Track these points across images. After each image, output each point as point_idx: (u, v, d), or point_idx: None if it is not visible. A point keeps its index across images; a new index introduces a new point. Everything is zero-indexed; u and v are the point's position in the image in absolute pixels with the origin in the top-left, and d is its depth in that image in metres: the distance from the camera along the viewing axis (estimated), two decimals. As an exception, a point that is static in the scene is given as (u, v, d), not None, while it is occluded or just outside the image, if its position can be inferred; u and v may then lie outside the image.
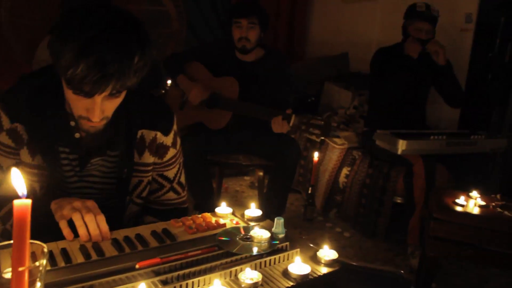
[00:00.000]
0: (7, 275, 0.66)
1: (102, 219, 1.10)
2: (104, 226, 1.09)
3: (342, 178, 3.19)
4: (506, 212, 1.94)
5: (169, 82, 3.02)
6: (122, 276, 0.91)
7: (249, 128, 2.70)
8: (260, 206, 1.25)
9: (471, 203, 1.99)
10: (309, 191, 3.11)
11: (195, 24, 4.43)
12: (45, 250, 0.73)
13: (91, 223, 1.08)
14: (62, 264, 0.95)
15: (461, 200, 1.99)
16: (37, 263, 0.68)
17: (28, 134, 1.21)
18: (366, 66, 3.11)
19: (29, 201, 0.61)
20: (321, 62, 4.34)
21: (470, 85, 3.55)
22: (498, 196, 2.08)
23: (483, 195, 2.07)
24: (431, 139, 2.67)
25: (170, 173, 1.43)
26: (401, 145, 2.60)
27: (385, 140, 2.75)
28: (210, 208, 1.26)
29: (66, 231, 1.07)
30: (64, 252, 0.99)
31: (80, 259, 0.97)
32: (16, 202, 0.60)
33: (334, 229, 3.11)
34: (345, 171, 3.18)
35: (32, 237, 0.70)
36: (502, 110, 3.71)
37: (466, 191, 2.08)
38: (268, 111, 2.51)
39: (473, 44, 3.52)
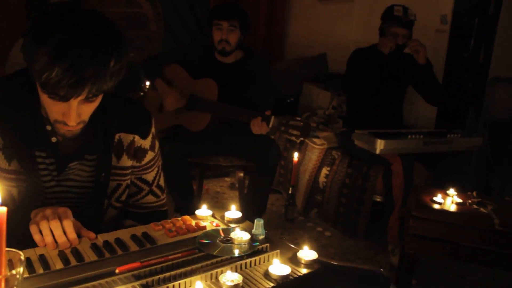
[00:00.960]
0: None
1: (68, 224, 1.07)
2: (71, 232, 1.06)
3: (322, 178, 3.22)
4: (481, 209, 1.98)
5: (147, 84, 3.00)
6: (102, 281, 0.90)
7: (228, 130, 2.70)
8: (241, 207, 1.26)
9: (448, 200, 2.03)
10: (290, 191, 3.12)
11: (173, 26, 4.40)
12: (22, 258, 0.72)
13: (56, 230, 1.05)
14: (41, 270, 0.93)
15: (438, 198, 2.03)
16: (13, 271, 0.67)
17: (3, 139, 1.19)
18: (344, 67, 3.14)
19: (4, 209, 0.60)
20: (300, 63, 4.36)
21: (446, 85, 3.62)
22: (474, 193, 2.12)
23: (460, 192, 2.11)
24: (408, 139, 2.71)
25: (149, 176, 1.43)
26: (379, 145, 2.63)
27: (364, 140, 2.78)
28: (191, 210, 1.26)
29: (36, 237, 1.05)
30: (42, 258, 0.98)
31: (58, 265, 0.96)
32: (-9, 209, 0.59)
33: (315, 228, 3.13)
34: (324, 171, 3.20)
35: (11, 243, 0.69)
36: (477, 109, 3.79)
37: (443, 189, 2.12)
38: (247, 112, 2.51)
39: (448, 45, 3.59)
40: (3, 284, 0.63)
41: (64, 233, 1.06)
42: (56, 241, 1.05)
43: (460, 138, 2.84)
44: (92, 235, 1.10)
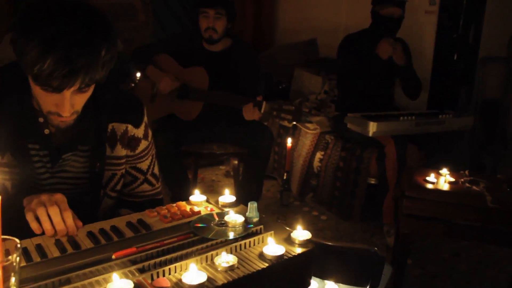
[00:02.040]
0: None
1: (68, 215, 1.07)
2: (71, 222, 1.06)
3: (316, 163, 3.23)
4: (474, 187, 2.00)
5: (138, 75, 3.00)
6: (99, 267, 0.91)
7: (221, 118, 2.71)
8: (237, 194, 1.27)
9: (441, 180, 2.05)
10: (285, 177, 3.14)
11: (162, 16, 4.38)
12: (18, 245, 0.73)
13: (55, 216, 1.05)
14: (38, 259, 0.94)
15: (431, 177, 2.04)
16: (10, 257, 0.68)
17: (-5, 132, 1.19)
18: (334, 52, 3.14)
19: (-2, 197, 0.61)
20: (291, 49, 4.35)
21: (437, 66, 3.63)
22: (466, 172, 2.14)
23: (452, 171, 2.12)
24: (400, 120, 2.73)
25: (143, 165, 1.43)
26: (372, 127, 2.64)
27: (356, 123, 2.79)
28: (187, 199, 1.27)
29: (33, 224, 1.05)
30: (39, 247, 0.99)
31: (55, 253, 0.97)
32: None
33: (311, 213, 3.16)
34: (318, 155, 3.22)
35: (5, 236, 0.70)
36: (468, 89, 3.80)
37: (436, 169, 2.14)
38: (238, 99, 2.52)
39: (437, 26, 3.59)
40: (0, 271, 0.64)
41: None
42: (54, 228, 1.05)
43: (452, 118, 2.86)
44: (79, 223, 1.10)
